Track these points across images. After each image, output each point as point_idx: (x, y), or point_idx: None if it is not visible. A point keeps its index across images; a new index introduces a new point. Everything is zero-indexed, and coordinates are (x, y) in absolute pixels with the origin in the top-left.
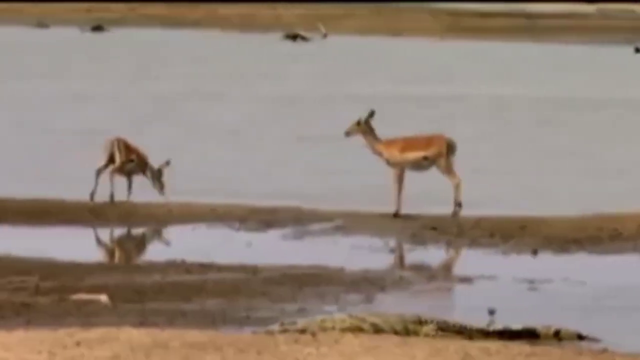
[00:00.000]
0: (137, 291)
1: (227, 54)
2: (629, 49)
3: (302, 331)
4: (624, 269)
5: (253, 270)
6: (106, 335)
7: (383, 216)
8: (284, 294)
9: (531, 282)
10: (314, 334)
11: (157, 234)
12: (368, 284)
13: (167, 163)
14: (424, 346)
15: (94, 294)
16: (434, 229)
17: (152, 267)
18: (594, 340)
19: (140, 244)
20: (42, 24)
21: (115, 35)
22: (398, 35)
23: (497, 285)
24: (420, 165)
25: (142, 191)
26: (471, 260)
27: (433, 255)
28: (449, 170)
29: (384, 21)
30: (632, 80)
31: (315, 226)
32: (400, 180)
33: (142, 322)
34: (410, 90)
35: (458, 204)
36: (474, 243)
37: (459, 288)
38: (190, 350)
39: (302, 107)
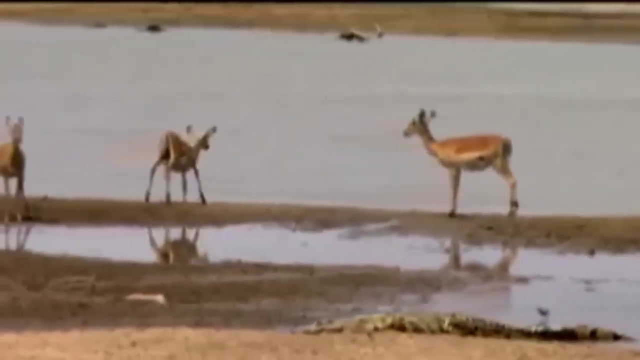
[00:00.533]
0: (193, 291)
1: (281, 54)
2: None
3: (339, 330)
4: None
5: (309, 270)
6: (162, 336)
7: (439, 216)
8: (340, 294)
9: (588, 282)
10: (369, 334)
11: (214, 234)
12: (423, 284)
13: (214, 130)
14: (480, 346)
15: (150, 294)
16: (490, 228)
17: (209, 267)
18: (630, 340)
19: (196, 244)
20: (99, 24)
21: (171, 35)
22: (453, 35)
23: (554, 286)
24: (476, 165)
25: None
26: (527, 260)
27: (489, 255)
28: (505, 171)
29: (439, 21)
30: None
31: (371, 226)
32: (455, 180)
33: (198, 322)
34: (465, 90)
35: (514, 204)
36: (530, 243)
37: (515, 288)
38: (246, 350)
39: (357, 107)
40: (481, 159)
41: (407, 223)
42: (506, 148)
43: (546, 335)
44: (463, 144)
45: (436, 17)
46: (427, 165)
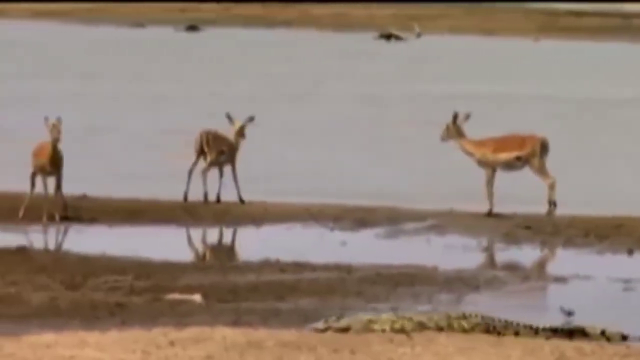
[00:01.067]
0: (231, 291)
1: (320, 54)
2: None
3: (346, 329)
4: None
5: (347, 269)
6: (200, 335)
7: (476, 215)
8: (378, 293)
9: (627, 282)
10: (408, 334)
11: (252, 233)
12: (461, 283)
13: (251, 119)
14: (518, 346)
15: (188, 293)
16: (528, 228)
17: (247, 266)
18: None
19: (235, 243)
20: (138, 24)
21: (209, 35)
22: (491, 35)
23: (592, 285)
24: (513, 165)
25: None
26: (565, 259)
27: (527, 254)
28: (542, 170)
29: (477, 21)
30: None
31: (409, 225)
32: (492, 180)
33: (236, 321)
34: (503, 89)
35: (552, 203)
36: (568, 242)
37: (553, 288)
38: (284, 349)
39: (395, 107)
40: (518, 158)
41: (444, 222)
42: (543, 147)
43: (555, 332)
44: (500, 143)
45: (474, 17)
46: (465, 164)
